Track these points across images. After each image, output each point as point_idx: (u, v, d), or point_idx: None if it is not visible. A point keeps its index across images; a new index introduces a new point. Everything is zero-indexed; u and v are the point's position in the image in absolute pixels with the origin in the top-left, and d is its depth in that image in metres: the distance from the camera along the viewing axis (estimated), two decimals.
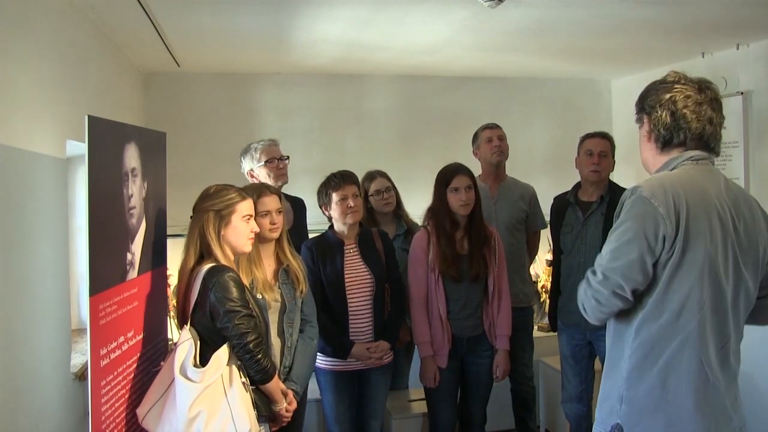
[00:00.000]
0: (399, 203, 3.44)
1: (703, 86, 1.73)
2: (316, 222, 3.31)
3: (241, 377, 2.10)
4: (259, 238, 2.48)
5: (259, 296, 2.44)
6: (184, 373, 2.02)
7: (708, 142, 1.72)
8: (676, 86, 1.72)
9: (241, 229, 2.24)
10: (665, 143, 1.74)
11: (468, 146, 3.70)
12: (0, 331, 1.92)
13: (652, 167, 1.80)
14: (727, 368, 1.67)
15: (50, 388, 2.32)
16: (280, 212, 2.54)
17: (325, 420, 3.02)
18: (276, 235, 2.54)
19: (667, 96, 1.72)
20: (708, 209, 1.62)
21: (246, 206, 2.27)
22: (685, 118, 1.70)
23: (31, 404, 2.14)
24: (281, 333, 2.52)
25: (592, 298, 1.70)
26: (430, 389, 2.98)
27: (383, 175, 3.39)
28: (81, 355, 2.82)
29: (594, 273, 1.70)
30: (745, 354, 1.72)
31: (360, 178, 3.28)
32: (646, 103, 1.77)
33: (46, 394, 2.28)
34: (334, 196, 2.81)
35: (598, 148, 3.11)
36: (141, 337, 2.26)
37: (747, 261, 1.68)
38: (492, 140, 3.48)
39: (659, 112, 1.72)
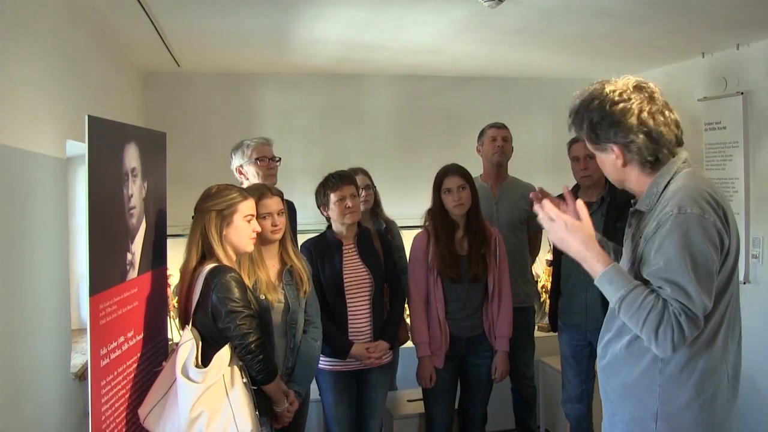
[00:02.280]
0: (377, 202, 3.43)
1: (648, 93, 1.67)
2: (315, 222, 3.31)
3: (242, 378, 2.10)
4: (262, 240, 2.48)
5: (262, 297, 2.45)
6: (185, 373, 2.02)
7: (681, 142, 1.71)
8: (629, 104, 1.65)
9: (242, 229, 2.24)
10: (653, 164, 1.69)
11: (468, 146, 3.70)
12: (0, 331, 1.92)
13: (639, 186, 1.73)
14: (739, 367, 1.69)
15: (50, 388, 2.32)
16: (281, 213, 2.53)
17: (325, 420, 3.02)
18: (278, 236, 2.54)
19: (633, 119, 1.64)
20: (729, 209, 1.63)
21: (247, 206, 2.27)
22: (661, 134, 1.65)
23: (31, 404, 2.14)
24: (284, 334, 2.52)
25: (684, 329, 1.52)
26: (427, 389, 2.99)
27: (364, 172, 3.38)
28: (81, 355, 2.82)
29: (686, 308, 1.52)
30: (745, 354, 1.71)
31: None
32: (608, 134, 1.67)
33: (46, 394, 2.27)
34: (332, 197, 2.81)
35: (583, 152, 3.10)
36: (141, 337, 2.26)
37: (738, 253, 1.70)
38: (496, 140, 3.48)
39: (637, 139, 1.65)
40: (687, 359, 1.61)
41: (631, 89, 1.67)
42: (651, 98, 1.67)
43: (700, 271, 1.52)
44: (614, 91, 1.67)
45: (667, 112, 1.68)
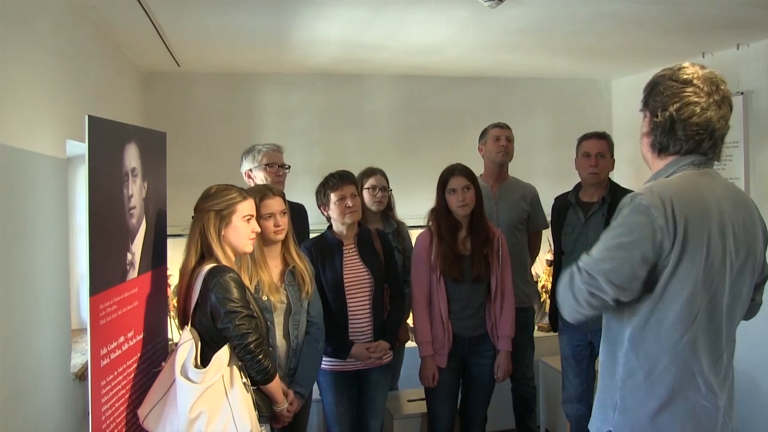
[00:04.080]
0: (390, 205, 3.43)
1: (713, 89, 1.64)
2: (316, 222, 3.32)
3: (242, 378, 2.10)
4: (264, 240, 2.47)
5: (264, 298, 2.44)
6: (185, 374, 2.02)
7: (705, 153, 1.67)
8: (686, 90, 1.64)
9: (241, 230, 2.23)
10: (661, 150, 1.70)
11: (468, 146, 3.70)
12: (0, 331, 1.92)
13: (651, 165, 1.76)
14: (723, 377, 1.66)
15: (50, 388, 2.32)
16: (284, 213, 2.53)
17: (325, 420, 3.02)
18: (281, 237, 2.53)
19: (674, 102, 1.64)
20: (708, 220, 1.59)
21: (247, 206, 2.26)
22: (685, 131, 1.64)
23: (31, 404, 2.14)
24: (287, 335, 2.52)
25: (571, 295, 1.64)
26: (429, 389, 2.98)
27: (383, 174, 3.39)
28: (81, 355, 2.82)
29: (579, 270, 1.63)
30: (745, 354, 1.71)
31: (358, 173, 3.28)
32: (651, 99, 1.70)
33: (46, 394, 2.27)
34: (333, 197, 2.81)
35: (596, 150, 3.11)
36: (141, 337, 2.26)
37: (745, 267, 1.66)
38: (499, 139, 3.48)
39: (660, 117, 1.66)
40: (643, 360, 1.62)
41: (702, 77, 1.66)
42: (709, 93, 1.65)
43: (606, 253, 1.59)
44: (686, 71, 1.67)
45: (711, 114, 1.64)
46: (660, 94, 1.68)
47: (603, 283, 1.57)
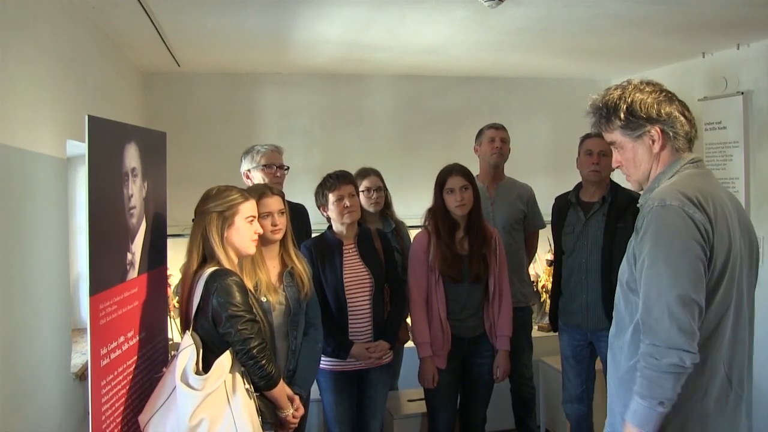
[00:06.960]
0: (387, 204, 3.42)
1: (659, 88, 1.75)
2: (316, 222, 3.31)
3: (244, 384, 2.06)
4: (262, 240, 2.46)
5: (263, 299, 2.43)
6: (185, 380, 1.98)
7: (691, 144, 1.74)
8: (670, 93, 1.73)
9: (244, 231, 2.21)
10: (677, 150, 1.71)
11: (468, 146, 3.69)
12: (0, 331, 1.92)
13: (651, 177, 1.75)
14: (751, 373, 1.67)
15: (50, 388, 2.32)
16: (282, 213, 2.52)
17: (325, 420, 3.02)
18: (278, 236, 2.52)
19: (674, 104, 1.71)
20: (727, 214, 1.61)
21: (249, 207, 2.24)
22: (690, 122, 1.71)
23: (31, 404, 2.13)
24: (286, 336, 2.51)
25: (677, 330, 1.50)
26: (429, 390, 2.98)
27: (377, 174, 3.37)
28: (81, 355, 2.82)
29: (678, 305, 1.51)
30: None
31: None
32: (653, 113, 1.69)
33: (46, 394, 2.27)
34: (331, 197, 2.81)
35: (598, 148, 3.11)
36: (141, 337, 2.26)
37: (749, 261, 1.69)
38: (494, 141, 3.47)
39: (679, 116, 1.70)
40: None
41: (654, 85, 1.74)
42: (661, 93, 1.73)
43: (674, 270, 1.53)
44: (643, 82, 1.73)
45: (686, 112, 1.73)
46: (643, 109, 1.69)
47: (700, 300, 1.53)
